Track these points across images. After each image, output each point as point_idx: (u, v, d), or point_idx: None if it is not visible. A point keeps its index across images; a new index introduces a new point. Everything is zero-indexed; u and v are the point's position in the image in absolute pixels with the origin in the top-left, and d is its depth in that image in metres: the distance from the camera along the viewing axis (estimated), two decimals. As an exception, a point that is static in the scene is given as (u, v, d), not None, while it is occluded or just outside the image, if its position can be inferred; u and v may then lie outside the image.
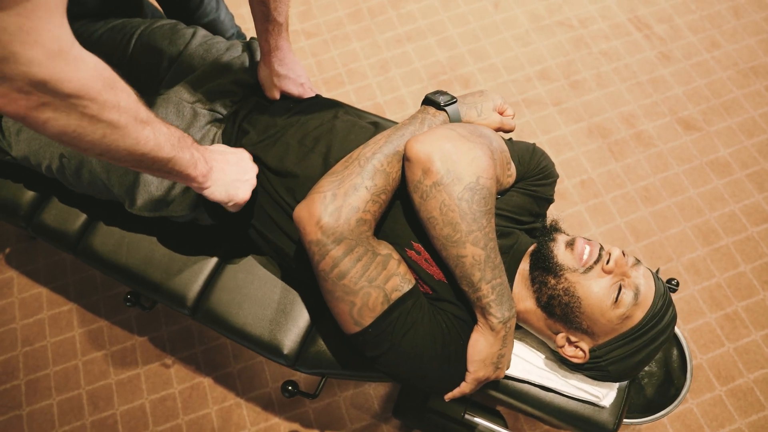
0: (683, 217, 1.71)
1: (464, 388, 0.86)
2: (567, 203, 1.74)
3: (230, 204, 0.91)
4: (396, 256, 0.83)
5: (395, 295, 0.80)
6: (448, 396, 0.88)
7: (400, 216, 0.90)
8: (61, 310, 1.67)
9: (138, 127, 0.70)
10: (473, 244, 0.77)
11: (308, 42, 2.06)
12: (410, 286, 0.82)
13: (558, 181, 1.16)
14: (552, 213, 1.01)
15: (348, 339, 0.86)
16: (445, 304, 0.87)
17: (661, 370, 1.31)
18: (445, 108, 0.90)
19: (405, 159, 0.81)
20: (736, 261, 1.64)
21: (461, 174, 0.76)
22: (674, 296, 1.59)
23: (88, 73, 0.60)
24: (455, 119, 0.92)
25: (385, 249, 0.82)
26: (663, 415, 1.23)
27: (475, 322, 0.85)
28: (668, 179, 1.77)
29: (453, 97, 0.92)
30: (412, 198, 0.80)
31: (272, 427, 1.52)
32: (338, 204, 0.78)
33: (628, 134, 1.84)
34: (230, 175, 0.89)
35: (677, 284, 1.13)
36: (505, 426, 1.23)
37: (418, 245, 0.87)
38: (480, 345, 0.83)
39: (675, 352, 1.29)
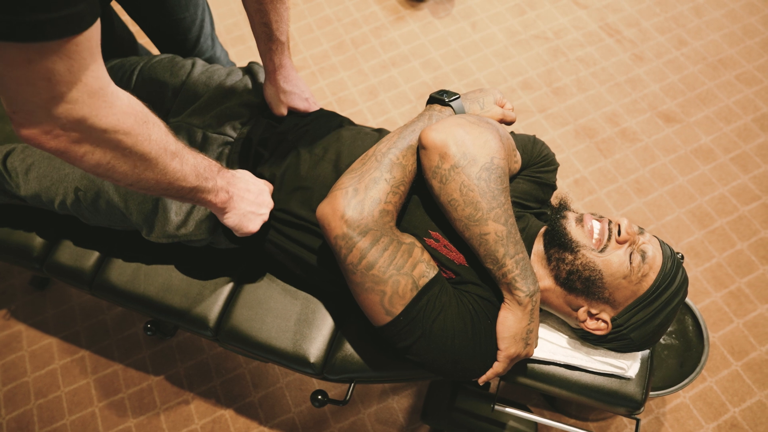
0: (676, 204, 1.77)
1: (497, 367, 0.87)
2: (563, 202, 1.80)
3: (239, 233, 0.95)
4: (419, 244, 0.86)
5: (423, 281, 0.82)
6: (482, 379, 0.89)
7: (415, 209, 0.93)
8: (73, 358, 1.66)
9: (167, 158, 0.73)
10: (495, 220, 0.81)
11: (297, 75, 2.12)
12: (435, 272, 0.84)
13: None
14: (559, 192, 1.05)
15: (379, 332, 0.87)
16: (469, 286, 0.89)
17: (679, 340, 1.33)
18: (450, 104, 0.95)
19: (421, 148, 0.84)
20: (733, 240, 1.69)
21: (476, 156, 0.80)
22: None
23: (122, 109, 0.64)
24: (460, 113, 0.96)
25: (408, 238, 0.85)
26: (687, 383, 1.24)
27: (500, 301, 0.87)
28: (657, 170, 1.83)
29: (456, 94, 0.96)
30: (431, 184, 0.84)
31: (299, 451, 1.50)
32: (360, 197, 0.81)
33: (614, 132, 1.91)
34: (247, 206, 0.92)
35: (682, 257, 1.16)
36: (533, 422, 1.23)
37: (435, 233, 0.90)
38: (509, 321, 0.85)
39: (690, 321, 1.32)
